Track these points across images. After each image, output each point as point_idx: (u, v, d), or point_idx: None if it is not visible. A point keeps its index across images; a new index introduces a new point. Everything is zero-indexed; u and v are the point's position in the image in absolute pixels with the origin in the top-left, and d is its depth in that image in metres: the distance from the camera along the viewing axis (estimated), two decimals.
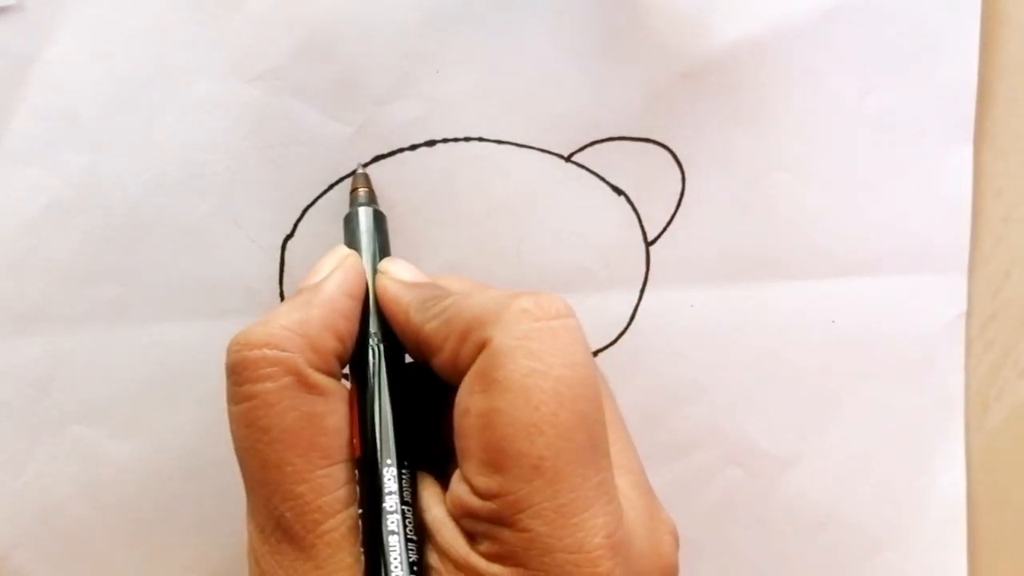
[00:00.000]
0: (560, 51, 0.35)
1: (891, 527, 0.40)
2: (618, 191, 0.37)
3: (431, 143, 0.36)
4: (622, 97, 0.36)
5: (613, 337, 0.38)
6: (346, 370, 0.30)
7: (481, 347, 0.27)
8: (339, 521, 0.27)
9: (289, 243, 0.36)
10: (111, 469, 0.36)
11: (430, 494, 0.28)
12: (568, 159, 0.36)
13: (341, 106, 0.35)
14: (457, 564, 0.26)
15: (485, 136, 0.36)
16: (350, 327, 0.30)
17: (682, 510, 0.38)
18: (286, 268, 0.36)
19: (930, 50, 0.37)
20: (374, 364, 0.30)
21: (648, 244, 0.37)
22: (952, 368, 0.39)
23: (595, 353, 0.38)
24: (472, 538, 0.27)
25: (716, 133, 0.37)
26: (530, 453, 0.26)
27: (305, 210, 0.36)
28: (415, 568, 0.27)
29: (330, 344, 0.29)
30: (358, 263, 0.31)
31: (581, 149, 0.36)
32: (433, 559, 0.27)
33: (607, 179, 0.37)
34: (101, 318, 0.36)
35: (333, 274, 0.30)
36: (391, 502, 0.27)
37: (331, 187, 0.36)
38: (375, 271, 0.32)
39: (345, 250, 0.32)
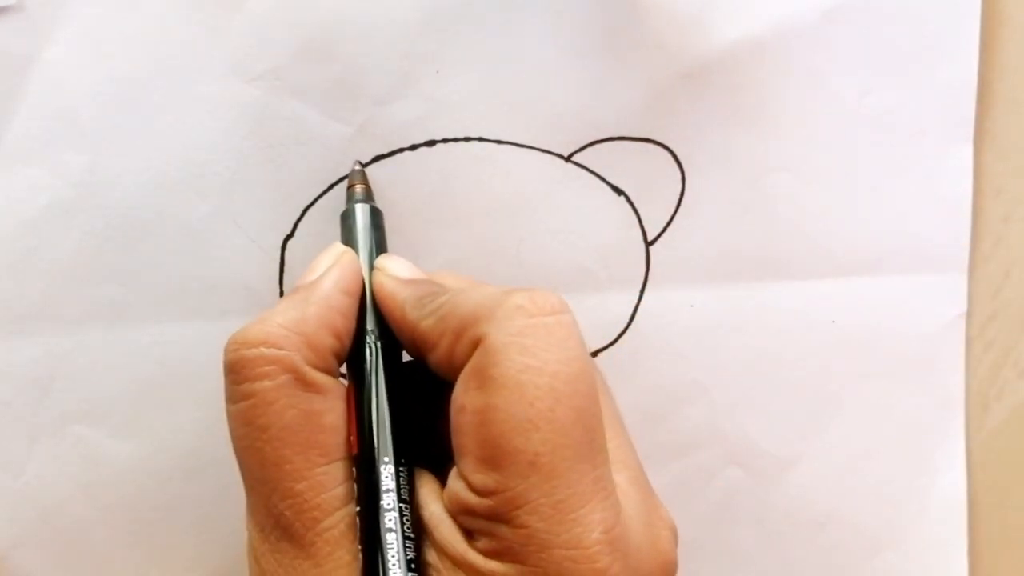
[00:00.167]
0: (560, 51, 0.35)
1: (891, 527, 0.40)
2: (618, 191, 0.37)
3: (431, 143, 0.36)
4: (622, 97, 0.36)
5: (613, 337, 0.38)
6: (344, 368, 0.30)
7: (476, 344, 0.27)
8: (338, 518, 0.27)
9: (289, 243, 0.36)
10: (111, 469, 0.36)
11: (428, 491, 0.28)
12: (568, 159, 0.36)
13: (341, 106, 0.35)
14: (455, 561, 0.26)
15: (485, 136, 0.36)
16: (347, 324, 0.30)
17: (682, 510, 0.38)
18: (286, 268, 0.36)
19: (930, 50, 0.37)
20: (371, 361, 0.30)
21: (648, 244, 0.37)
22: (952, 368, 0.39)
23: (595, 353, 0.38)
24: (470, 535, 0.27)
25: (716, 133, 0.37)
26: (526, 449, 0.26)
27: (305, 210, 0.36)
28: (413, 565, 0.27)
29: (327, 342, 0.29)
30: (354, 260, 0.31)
31: (581, 149, 0.36)
32: (431, 556, 0.27)
33: (607, 179, 0.37)
34: (101, 318, 0.36)
35: (329, 271, 0.31)
36: (388, 499, 0.27)
37: (331, 187, 0.36)
38: (372, 268, 0.32)
39: (341, 247, 0.32)
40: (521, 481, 0.26)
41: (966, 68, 0.37)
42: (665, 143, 0.37)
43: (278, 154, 0.35)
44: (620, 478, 0.28)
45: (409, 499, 0.28)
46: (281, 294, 0.36)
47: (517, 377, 0.26)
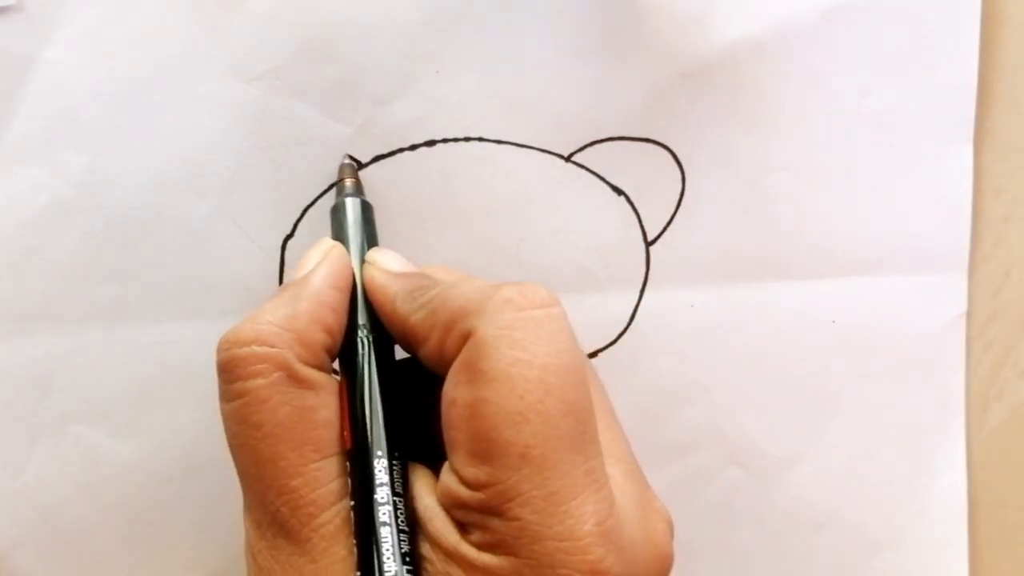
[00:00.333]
0: (560, 51, 0.35)
1: (891, 527, 0.40)
2: (618, 191, 0.37)
3: (431, 143, 0.36)
4: (622, 97, 0.36)
5: (613, 337, 0.38)
6: (337, 363, 0.30)
7: (466, 338, 0.27)
8: (333, 514, 0.27)
9: (289, 243, 0.36)
10: (111, 469, 0.36)
11: (422, 485, 0.28)
12: (568, 159, 0.36)
13: (341, 106, 0.35)
14: (448, 554, 0.26)
15: (485, 136, 0.36)
16: (338, 320, 0.30)
17: (682, 510, 0.38)
18: (286, 268, 0.36)
19: (930, 50, 0.37)
20: (363, 356, 0.30)
21: (648, 244, 0.37)
22: (952, 368, 0.39)
23: (595, 353, 0.38)
24: (463, 528, 0.27)
25: (716, 133, 0.37)
26: (517, 442, 0.26)
27: (305, 210, 0.36)
28: (407, 558, 0.27)
29: (319, 338, 0.29)
30: (344, 255, 0.31)
31: (581, 149, 0.36)
32: (425, 549, 0.27)
33: (607, 179, 0.37)
34: (101, 318, 0.36)
35: (319, 267, 0.31)
36: (382, 493, 0.27)
37: (331, 187, 0.36)
38: (363, 262, 0.32)
39: (330, 242, 0.32)
40: (512, 474, 0.26)
41: (966, 68, 0.37)
42: (665, 143, 0.37)
43: (278, 154, 0.35)
44: (614, 471, 0.28)
45: (403, 492, 0.28)
46: None
47: (507, 370, 0.26)
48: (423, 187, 0.36)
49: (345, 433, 0.28)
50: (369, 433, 0.28)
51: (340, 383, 0.29)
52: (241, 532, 0.29)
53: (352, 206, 0.33)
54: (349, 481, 0.28)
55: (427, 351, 0.28)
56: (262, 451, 0.28)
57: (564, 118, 0.36)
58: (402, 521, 0.27)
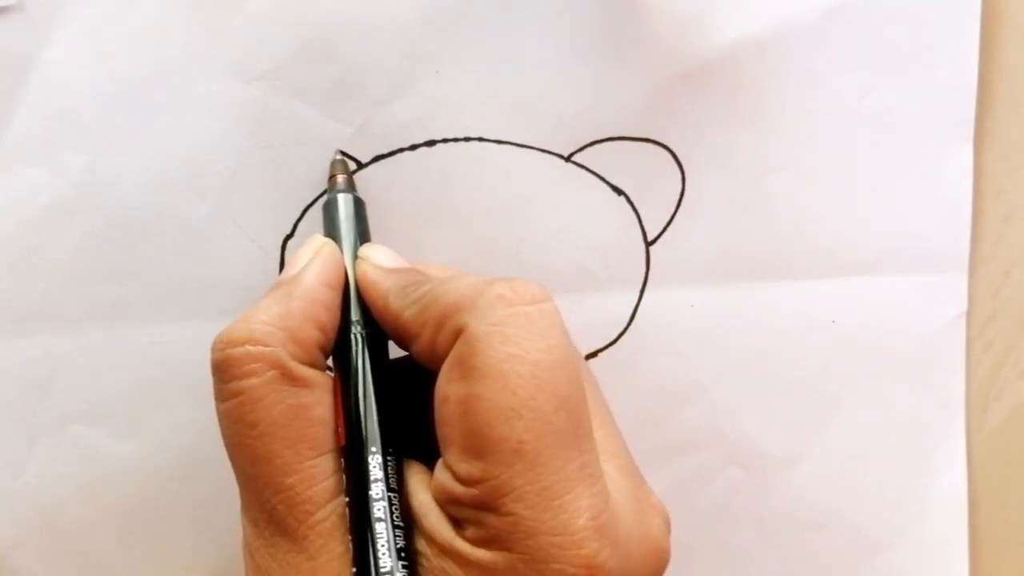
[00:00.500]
0: (560, 51, 0.35)
1: (891, 527, 0.40)
2: (618, 191, 0.37)
3: (431, 143, 0.36)
4: (622, 97, 0.36)
5: (613, 337, 0.38)
6: (331, 360, 0.30)
7: (458, 334, 0.27)
8: (330, 510, 0.28)
9: (289, 243, 0.36)
10: (111, 469, 0.36)
11: (417, 481, 0.28)
12: (568, 159, 0.36)
13: (341, 106, 0.35)
14: (443, 549, 0.27)
15: (485, 136, 0.36)
16: (331, 317, 0.30)
17: (682, 510, 0.38)
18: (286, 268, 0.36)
19: (930, 50, 0.37)
20: (356, 352, 0.30)
21: (648, 244, 0.37)
22: (952, 368, 0.39)
23: (595, 353, 0.38)
24: (458, 524, 0.27)
25: (716, 133, 0.37)
26: (510, 437, 0.26)
27: (305, 210, 0.36)
28: (402, 554, 0.27)
29: (312, 335, 0.29)
30: (335, 251, 0.31)
31: (581, 149, 0.36)
32: (420, 545, 0.27)
33: (607, 179, 0.37)
34: (101, 318, 0.36)
35: (311, 264, 0.31)
36: (377, 489, 0.27)
37: None
38: (356, 258, 0.32)
39: (321, 239, 0.32)
40: (506, 469, 0.26)
41: (966, 68, 0.37)
42: (665, 143, 0.37)
43: (278, 154, 0.35)
44: (608, 466, 0.28)
45: (398, 488, 0.28)
46: None
47: (499, 366, 0.26)
48: (423, 187, 0.36)
49: (339, 429, 0.28)
50: (363, 429, 0.28)
51: (334, 380, 0.29)
52: (240, 532, 0.29)
53: (344, 202, 0.33)
54: (344, 478, 0.28)
55: (419, 347, 0.29)
56: (257, 449, 0.28)
57: (564, 118, 0.36)
58: (397, 517, 0.27)
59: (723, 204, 0.37)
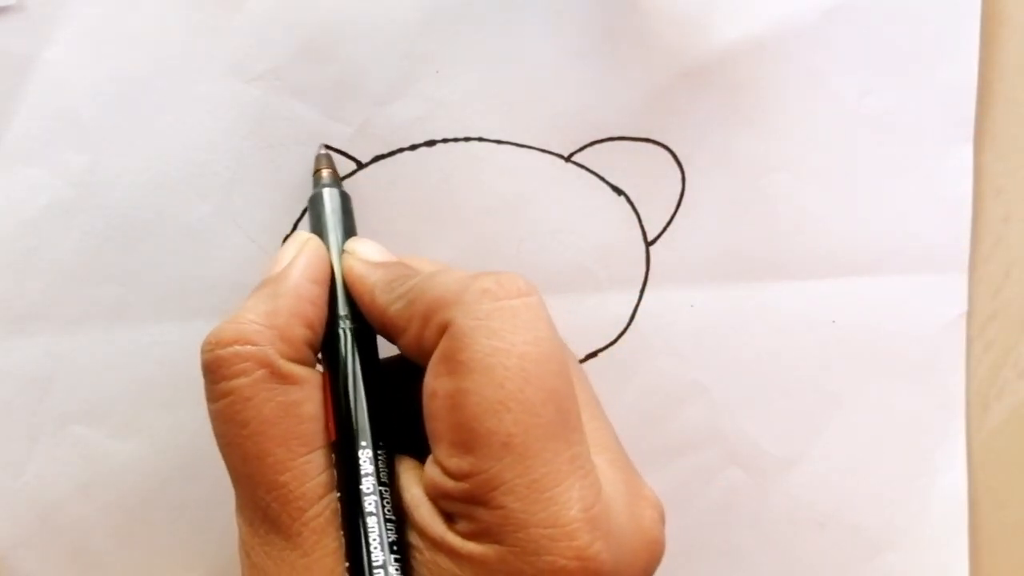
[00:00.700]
0: (560, 51, 0.35)
1: (891, 527, 0.40)
2: (618, 191, 0.37)
3: (431, 143, 0.36)
4: (622, 97, 0.36)
5: (613, 337, 0.38)
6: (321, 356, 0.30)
7: (444, 329, 0.27)
8: (323, 506, 0.28)
9: None
10: (111, 469, 0.36)
11: (409, 476, 0.28)
12: (568, 159, 0.36)
13: (341, 106, 0.35)
14: (435, 543, 0.27)
15: (485, 136, 0.36)
16: (319, 313, 0.30)
17: (682, 510, 0.38)
18: None
19: (930, 50, 0.37)
20: (345, 347, 0.30)
21: (648, 244, 0.37)
22: (952, 368, 0.39)
23: (595, 353, 0.38)
24: (449, 518, 0.27)
25: (716, 133, 0.37)
26: (499, 431, 0.26)
27: (305, 210, 0.36)
28: (394, 547, 0.27)
29: (300, 332, 0.29)
30: (320, 247, 0.31)
31: (581, 149, 0.36)
32: (413, 538, 0.27)
33: (607, 179, 0.37)
34: (101, 318, 0.36)
35: (296, 261, 0.31)
36: (368, 483, 0.27)
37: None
38: (343, 252, 0.32)
39: (305, 235, 0.32)
40: (495, 463, 0.26)
41: (966, 68, 0.37)
42: (665, 143, 0.37)
43: (278, 154, 0.35)
44: (599, 460, 0.28)
45: (389, 482, 0.28)
46: None
47: (486, 360, 0.26)
48: (423, 187, 0.36)
49: (330, 425, 0.28)
50: (353, 423, 0.28)
51: (323, 376, 0.29)
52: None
53: (330, 196, 0.33)
54: (336, 473, 0.28)
55: (406, 342, 0.29)
56: (249, 448, 0.28)
57: (564, 118, 0.36)
58: (388, 511, 0.27)
59: (723, 204, 0.37)
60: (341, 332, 0.30)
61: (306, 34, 0.35)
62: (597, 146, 0.36)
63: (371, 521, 0.27)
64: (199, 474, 0.37)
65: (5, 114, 0.34)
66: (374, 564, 0.26)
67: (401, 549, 0.27)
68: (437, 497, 0.27)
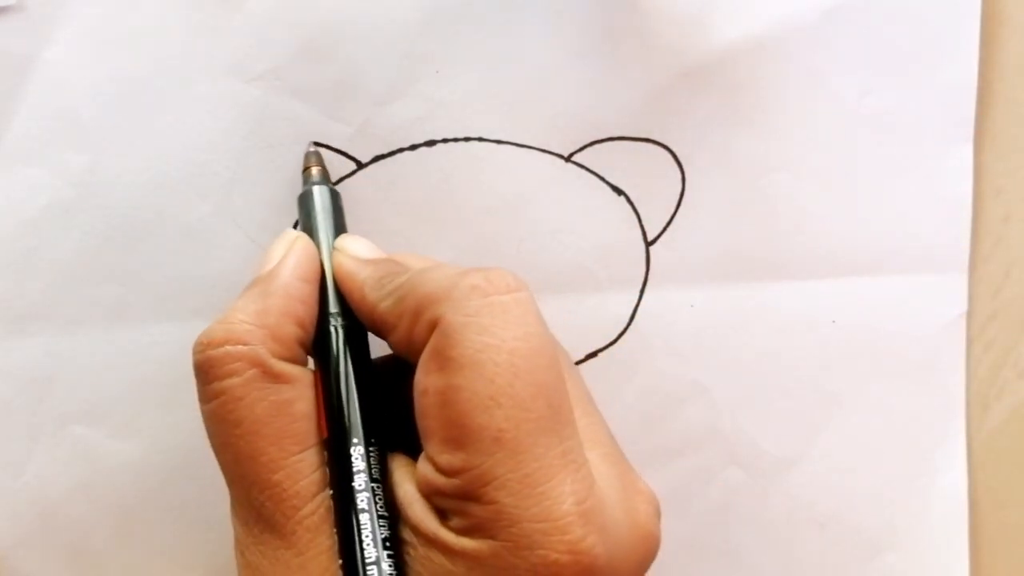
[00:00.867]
0: (560, 51, 0.35)
1: (891, 527, 0.40)
2: (618, 191, 0.37)
3: (431, 143, 0.36)
4: (622, 97, 0.36)
5: (613, 337, 0.38)
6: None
7: (434, 325, 0.27)
8: (317, 504, 0.28)
9: None
10: (111, 469, 0.36)
11: (401, 472, 0.28)
12: (568, 159, 0.36)
13: (341, 106, 0.35)
14: (428, 539, 0.27)
15: (485, 136, 0.36)
16: (309, 311, 0.30)
17: (682, 510, 0.38)
18: None
19: (930, 50, 0.37)
20: (336, 344, 0.30)
21: (648, 244, 0.37)
22: (952, 368, 0.39)
23: (595, 353, 0.38)
24: (442, 514, 0.27)
25: (716, 133, 0.37)
26: (489, 426, 0.26)
27: None
28: (387, 543, 0.27)
29: (290, 331, 0.29)
30: (309, 245, 0.32)
31: (581, 149, 0.36)
32: (406, 534, 0.27)
33: (607, 179, 0.37)
34: (101, 318, 0.36)
35: (286, 259, 0.31)
36: (360, 480, 0.27)
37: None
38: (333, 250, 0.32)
39: (293, 233, 0.32)
40: (487, 458, 0.26)
41: (966, 68, 0.37)
42: (665, 143, 0.37)
43: (278, 154, 0.35)
44: (592, 455, 0.28)
45: (382, 479, 0.28)
46: None
47: (475, 356, 0.26)
48: (423, 187, 0.36)
49: (322, 422, 0.28)
50: (345, 420, 0.28)
51: (315, 374, 0.29)
52: None
53: (320, 194, 0.33)
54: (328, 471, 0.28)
55: (396, 339, 0.29)
56: (242, 448, 0.28)
57: (564, 118, 0.36)
58: (380, 507, 0.27)
59: (723, 204, 0.37)
60: (332, 329, 0.30)
61: (306, 34, 0.35)
62: (597, 146, 0.36)
63: (364, 518, 0.27)
64: (199, 474, 0.37)
65: (5, 114, 0.34)
66: (367, 560, 0.26)
67: (395, 545, 0.27)
68: (430, 494, 0.27)
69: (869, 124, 0.37)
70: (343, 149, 0.36)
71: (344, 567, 0.27)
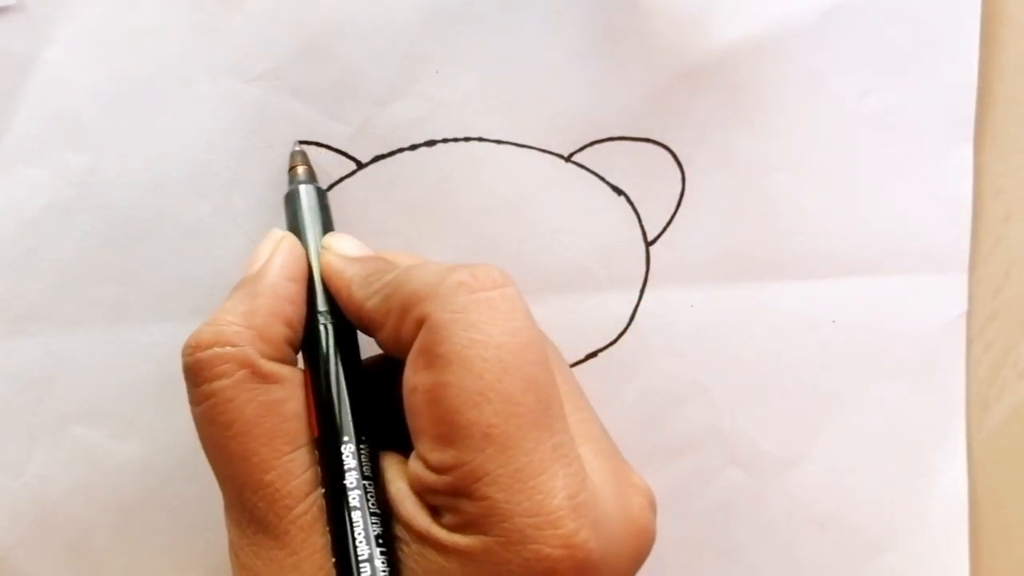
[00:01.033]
0: (560, 51, 0.35)
1: (891, 527, 0.40)
2: (618, 191, 0.37)
3: (431, 143, 0.36)
4: (622, 97, 0.36)
5: (613, 337, 0.38)
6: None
7: (421, 323, 0.27)
8: (309, 503, 0.28)
9: None
10: (111, 469, 0.36)
11: (395, 470, 0.28)
12: (568, 159, 0.36)
13: (341, 106, 0.35)
14: (420, 536, 0.27)
15: (485, 136, 0.36)
16: (297, 310, 0.30)
17: (682, 510, 0.38)
18: None
19: (930, 50, 0.37)
20: (325, 343, 0.30)
21: (648, 244, 0.37)
22: (952, 368, 0.39)
23: (595, 353, 0.38)
24: (435, 511, 0.27)
25: (716, 133, 0.37)
26: (479, 422, 0.26)
27: None
28: (380, 540, 0.27)
29: (279, 331, 0.29)
30: (295, 244, 0.32)
31: (581, 149, 0.36)
32: (399, 532, 0.27)
33: (607, 179, 0.37)
34: (101, 318, 0.36)
35: (272, 259, 0.31)
36: (352, 478, 0.27)
37: (331, 187, 0.36)
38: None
39: (279, 233, 0.32)
40: (477, 454, 0.26)
41: (966, 68, 0.37)
42: (665, 143, 0.37)
43: (278, 154, 0.35)
44: (585, 449, 0.28)
45: (373, 477, 0.28)
46: None
47: (463, 352, 0.26)
48: (423, 187, 0.36)
49: (312, 421, 0.28)
50: (336, 419, 0.28)
51: (304, 373, 0.29)
52: None
53: (306, 193, 0.33)
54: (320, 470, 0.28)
55: (384, 336, 0.29)
56: (234, 449, 0.28)
57: (564, 118, 0.36)
58: (372, 504, 0.27)
59: (723, 204, 0.37)
60: (321, 328, 0.30)
61: (306, 34, 0.35)
62: (597, 146, 0.36)
63: (356, 515, 0.27)
64: (198, 474, 0.36)
65: (5, 114, 0.34)
66: (360, 557, 0.26)
67: (387, 543, 0.27)
68: (421, 491, 0.27)
69: (869, 124, 0.37)
70: (343, 149, 0.36)
71: (337, 565, 0.27)
